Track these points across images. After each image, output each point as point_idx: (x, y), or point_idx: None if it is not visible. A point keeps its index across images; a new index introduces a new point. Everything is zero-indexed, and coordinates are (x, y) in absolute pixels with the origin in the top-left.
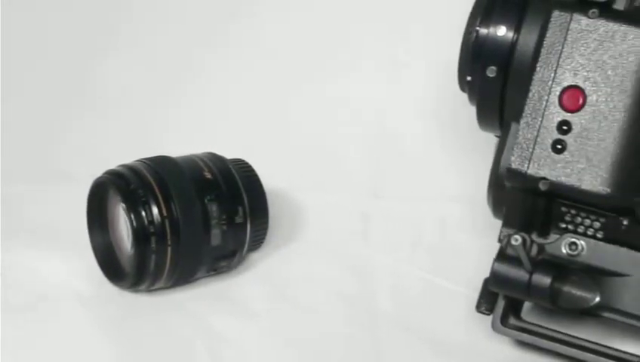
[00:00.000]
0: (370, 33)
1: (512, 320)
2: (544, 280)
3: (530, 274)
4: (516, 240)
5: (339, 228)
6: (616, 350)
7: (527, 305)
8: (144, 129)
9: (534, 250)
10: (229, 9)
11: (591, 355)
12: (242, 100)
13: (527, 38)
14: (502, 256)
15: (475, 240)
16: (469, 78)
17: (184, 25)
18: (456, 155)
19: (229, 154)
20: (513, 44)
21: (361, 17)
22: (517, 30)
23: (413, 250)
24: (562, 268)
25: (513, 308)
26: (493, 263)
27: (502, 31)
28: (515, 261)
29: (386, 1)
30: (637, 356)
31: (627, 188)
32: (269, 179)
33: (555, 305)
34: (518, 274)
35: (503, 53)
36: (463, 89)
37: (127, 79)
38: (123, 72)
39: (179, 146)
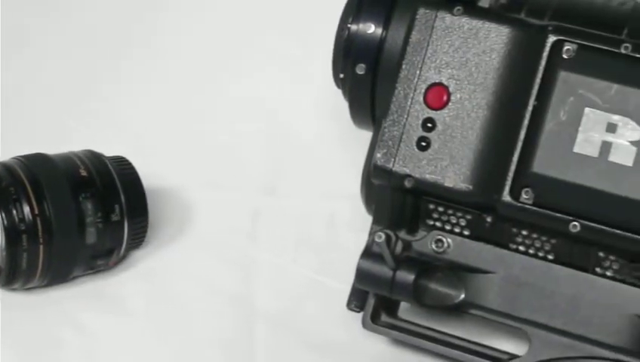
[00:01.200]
0: (269, 34)
1: (385, 318)
2: (407, 277)
3: (394, 271)
4: (380, 237)
5: (227, 227)
6: (487, 347)
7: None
8: (32, 126)
9: (399, 247)
10: (131, 9)
11: (458, 352)
12: (144, 100)
13: (395, 36)
14: (367, 253)
15: (363, 239)
16: (341, 76)
17: (82, 24)
18: (351, 153)
19: (128, 153)
20: (382, 42)
21: (261, 18)
22: (385, 27)
23: (299, 248)
24: (427, 266)
25: (387, 306)
26: (358, 260)
27: (371, 28)
28: (379, 258)
29: (287, 3)
30: (509, 354)
31: (488, 186)
32: (162, 177)
33: (419, 302)
34: (382, 271)
35: (372, 51)
36: (338, 86)
37: (18, 77)
38: (13, 70)
39: (80, 144)
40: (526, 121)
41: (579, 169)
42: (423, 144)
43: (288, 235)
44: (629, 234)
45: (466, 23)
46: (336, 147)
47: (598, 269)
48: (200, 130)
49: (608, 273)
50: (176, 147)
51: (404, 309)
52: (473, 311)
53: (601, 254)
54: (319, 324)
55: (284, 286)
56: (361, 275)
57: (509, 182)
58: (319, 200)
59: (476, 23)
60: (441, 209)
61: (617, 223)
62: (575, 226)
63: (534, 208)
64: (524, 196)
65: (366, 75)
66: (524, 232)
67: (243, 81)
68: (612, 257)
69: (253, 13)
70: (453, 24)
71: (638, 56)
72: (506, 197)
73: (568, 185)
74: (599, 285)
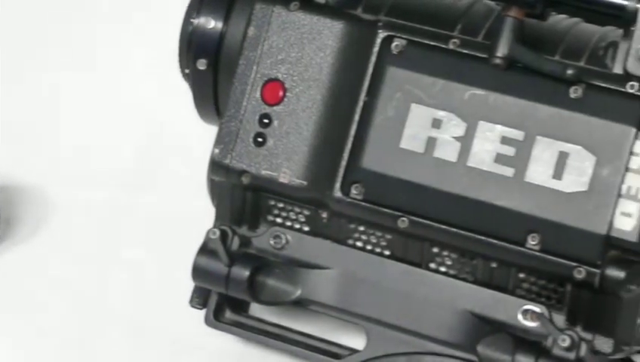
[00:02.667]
0: (141, 33)
1: (230, 315)
2: (242, 273)
3: (229, 267)
4: (214, 233)
5: (86, 226)
6: (330, 343)
7: None
8: None
9: (236, 244)
10: None
11: (298, 349)
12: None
13: (235, 31)
14: (203, 249)
15: None
16: (186, 71)
17: None
18: None
19: None
20: (221, 37)
21: (130, 17)
22: (225, 23)
23: (154, 246)
24: (264, 262)
25: (238, 303)
26: (194, 257)
27: (211, 23)
28: (215, 255)
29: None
30: (351, 349)
31: (322, 182)
32: (21, 175)
33: (255, 298)
34: (217, 267)
35: (212, 46)
36: (186, 81)
37: None
38: None
39: None
40: (357, 117)
41: (405, 164)
42: (260, 140)
43: (147, 233)
44: (455, 230)
45: (302, 18)
46: (199, 144)
47: (432, 265)
48: (61, 128)
49: (442, 268)
50: (39, 145)
51: (261, 306)
52: (312, 307)
53: (435, 250)
54: (172, 321)
55: (138, 285)
56: (197, 272)
57: (339, 178)
58: (182, 200)
59: (311, 19)
60: (280, 205)
61: (444, 219)
62: (403, 222)
63: (364, 204)
64: (353, 192)
65: (207, 71)
66: (361, 228)
67: (109, 79)
68: (445, 253)
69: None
70: (290, 20)
71: (464, 51)
72: (337, 192)
73: (396, 180)
74: (432, 281)
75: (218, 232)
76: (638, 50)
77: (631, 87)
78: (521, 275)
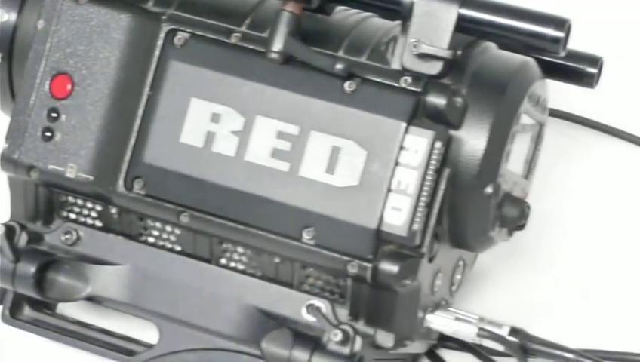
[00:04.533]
0: None
1: (29, 312)
2: (28, 269)
3: (15, 263)
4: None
5: None
6: (128, 339)
7: None
8: None
9: (24, 239)
10: None
11: (93, 346)
12: None
13: (27, 24)
14: None
15: None
16: None
17: None
18: None
19: None
20: (15, 30)
21: None
22: (19, 15)
23: None
24: (53, 258)
25: (36, 300)
26: None
27: (5, 16)
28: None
29: None
30: (147, 345)
31: (107, 177)
32: None
33: (43, 295)
34: (4, 263)
35: (6, 39)
36: None
37: None
38: None
39: None
40: (140, 111)
41: (185, 159)
42: (48, 134)
43: None
44: (234, 225)
45: (91, 11)
46: None
47: (222, 261)
48: None
49: (231, 264)
50: None
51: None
52: (105, 304)
53: (224, 246)
54: None
55: None
56: None
57: (122, 173)
58: None
59: (99, 12)
60: (72, 201)
61: (223, 214)
62: (185, 217)
63: (147, 199)
64: (136, 187)
65: (2, 64)
66: (150, 224)
67: None
68: (233, 248)
69: None
70: (79, 12)
71: (244, 45)
72: (120, 188)
73: (176, 175)
74: (221, 276)
75: (3, 228)
76: (411, 44)
77: (404, 82)
78: (305, 270)
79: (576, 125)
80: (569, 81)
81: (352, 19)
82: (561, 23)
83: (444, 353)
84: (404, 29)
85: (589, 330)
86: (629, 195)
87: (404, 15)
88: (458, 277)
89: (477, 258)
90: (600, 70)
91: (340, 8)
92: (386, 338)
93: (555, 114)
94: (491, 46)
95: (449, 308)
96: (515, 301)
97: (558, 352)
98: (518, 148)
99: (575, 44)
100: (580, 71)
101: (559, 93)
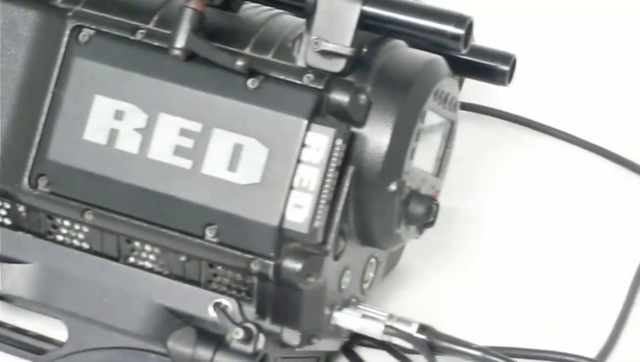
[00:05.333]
0: None
1: None
2: None
3: None
4: None
5: None
6: (39, 338)
7: None
8: None
9: None
10: None
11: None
12: None
13: None
14: None
15: None
16: None
17: None
18: None
19: None
20: None
21: None
22: None
23: None
24: None
25: None
26: None
27: None
28: None
29: None
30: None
31: (12, 174)
32: None
33: None
34: None
35: None
36: None
37: None
38: None
39: None
40: (46, 108)
41: (89, 157)
42: None
43: None
44: (138, 223)
45: (3, 10)
46: None
47: (131, 259)
48: None
49: (139, 263)
50: None
51: None
52: (16, 303)
53: (132, 244)
54: None
55: None
56: None
57: (28, 171)
58: None
59: (7, 8)
60: None
61: (127, 211)
62: (89, 214)
63: (51, 196)
64: (40, 184)
65: None
66: (59, 221)
67: None
68: (140, 246)
69: None
70: None
71: (149, 42)
72: (25, 185)
73: (80, 173)
74: (129, 275)
75: None
76: (312, 42)
77: (307, 79)
78: (212, 269)
79: (508, 123)
80: (482, 78)
81: (262, 16)
82: (462, 21)
83: (362, 351)
84: (309, 26)
85: (506, 328)
86: (557, 194)
87: (308, 12)
88: (371, 275)
89: (400, 255)
90: (513, 68)
91: (250, 5)
92: (292, 336)
93: (487, 111)
94: (400, 44)
95: (359, 306)
96: (436, 298)
97: (465, 349)
98: (429, 146)
99: (513, 44)
100: (492, 68)
101: (490, 91)
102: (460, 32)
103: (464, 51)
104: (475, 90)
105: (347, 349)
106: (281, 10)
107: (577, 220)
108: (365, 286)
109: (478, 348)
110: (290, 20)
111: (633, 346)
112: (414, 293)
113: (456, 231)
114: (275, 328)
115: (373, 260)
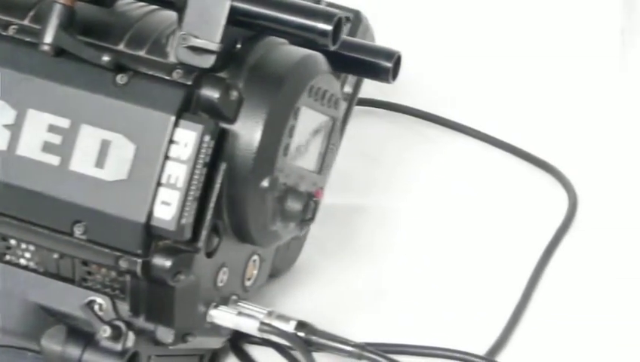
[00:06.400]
0: None
1: None
2: None
3: None
4: None
5: None
6: None
7: None
8: None
9: None
10: None
11: None
12: None
13: None
14: None
15: None
16: None
17: None
18: None
19: None
20: None
21: None
22: None
23: None
24: None
25: None
26: None
27: None
28: None
29: None
30: None
31: None
32: None
33: None
34: None
35: None
36: None
37: None
38: None
39: None
40: None
41: None
42: None
43: None
44: (7, 220)
45: None
46: None
47: (7, 257)
48: None
49: (15, 260)
50: None
51: None
52: None
53: (8, 242)
54: None
55: None
56: None
57: None
58: None
59: None
60: None
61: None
62: None
63: None
64: None
65: None
66: None
67: None
68: (15, 244)
69: None
70: None
71: (19, 37)
72: None
73: None
74: (5, 272)
75: None
76: (181, 37)
77: (176, 75)
78: (86, 266)
79: (421, 120)
80: (366, 75)
81: (140, 11)
82: (330, 17)
83: (251, 348)
84: (180, 21)
85: (407, 326)
86: (470, 192)
87: (179, 7)
88: (254, 272)
89: (298, 253)
90: (397, 65)
91: (128, 1)
92: (165, 334)
93: (400, 109)
94: (279, 41)
95: (239, 303)
96: (336, 296)
97: (342, 346)
98: (309, 143)
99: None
100: (375, 65)
101: (402, 88)
102: (328, 27)
103: (333, 47)
104: (389, 86)
105: (236, 346)
106: (158, 7)
107: (486, 217)
108: (248, 283)
109: (355, 345)
110: (168, 16)
111: (524, 344)
112: (311, 292)
113: (364, 229)
114: (149, 326)
115: (255, 257)
